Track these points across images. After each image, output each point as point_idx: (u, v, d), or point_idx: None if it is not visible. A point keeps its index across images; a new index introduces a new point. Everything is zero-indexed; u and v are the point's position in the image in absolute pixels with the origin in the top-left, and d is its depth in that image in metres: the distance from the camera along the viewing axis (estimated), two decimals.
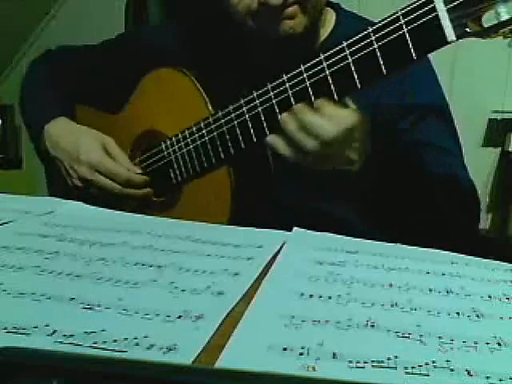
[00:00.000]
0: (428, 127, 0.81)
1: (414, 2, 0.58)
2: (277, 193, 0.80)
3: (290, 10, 0.73)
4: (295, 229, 0.57)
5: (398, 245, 0.56)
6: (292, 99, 0.68)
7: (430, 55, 0.83)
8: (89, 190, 0.85)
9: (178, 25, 0.94)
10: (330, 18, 0.86)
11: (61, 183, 0.89)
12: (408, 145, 0.79)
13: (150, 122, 0.86)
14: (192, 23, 0.92)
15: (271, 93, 0.69)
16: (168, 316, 0.35)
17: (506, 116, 2.10)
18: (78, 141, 0.85)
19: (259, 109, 0.70)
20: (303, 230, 0.57)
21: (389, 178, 0.72)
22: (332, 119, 0.65)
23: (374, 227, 0.80)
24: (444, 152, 0.81)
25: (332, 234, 0.57)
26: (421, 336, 0.33)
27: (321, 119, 0.65)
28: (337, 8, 0.87)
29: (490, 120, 2.14)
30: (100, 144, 0.85)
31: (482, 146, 2.18)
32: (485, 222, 2.20)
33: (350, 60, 0.63)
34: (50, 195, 0.98)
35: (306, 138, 0.66)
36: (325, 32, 0.84)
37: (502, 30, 0.55)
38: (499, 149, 2.16)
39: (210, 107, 0.77)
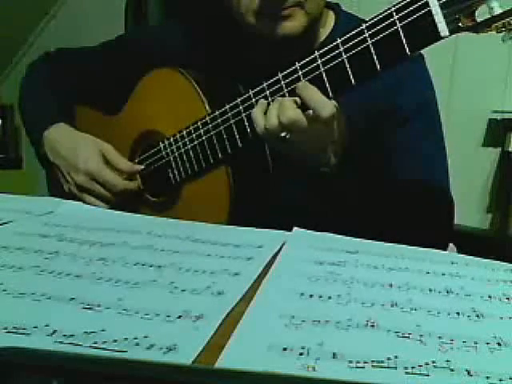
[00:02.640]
0: (411, 130, 0.81)
1: None
2: (277, 193, 0.80)
3: (290, 11, 0.73)
4: (295, 229, 0.57)
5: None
6: (287, 96, 0.68)
7: (429, 56, 0.83)
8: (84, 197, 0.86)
9: (178, 25, 0.94)
10: (330, 20, 0.86)
11: (61, 186, 0.89)
12: (388, 148, 0.80)
13: (149, 123, 0.86)
14: (192, 23, 0.92)
15: (267, 91, 0.69)
16: (168, 316, 0.35)
17: (506, 116, 2.10)
18: (77, 149, 0.85)
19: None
20: (303, 230, 0.57)
21: (363, 179, 0.72)
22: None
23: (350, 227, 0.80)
24: (423, 159, 0.81)
25: (332, 234, 0.57)
26: (421, 336, 0.33)
27: (292, 101, 0.66)
28: (337, 9, 0.87)
29: (490, 120, 2.14)
30: (98, 152, 0.84)
31: (482, 146, 2.17)
32: (485, 221, 2.20)
33: (344, 57, 0.63)
34: (50, 195, 0.98)
35: (274, 111, 0.66)
36: (324, 33, 0.84)
37: (495, 25, 0.55)
38: (499, 149, 2.15)
39: (208, 107, 0.77)
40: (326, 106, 0.64)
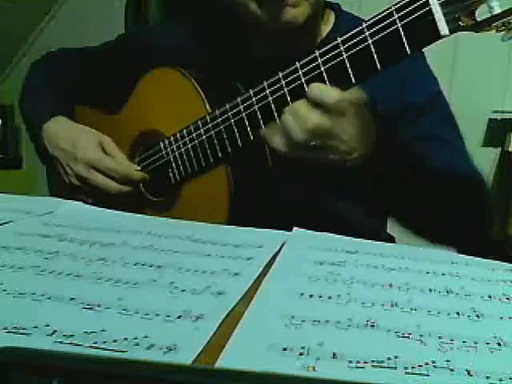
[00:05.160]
0: (427, 123, 0.81)
1: None
2: (277, 193, 0.80)
3: (295, 0, 0.73)
4: (295, 229, 0.57)
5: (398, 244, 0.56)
6: (288, 96, 0.68)
7: (429, 55, 0.83)
8: (84, 189, 0.85)
9: (178, 25, 0.94)
10: (330, 19, 0.86)
11: (61, 183, 0.89)
12: (407, 141, 0.79)
13: (149, 122, 0.86)
14: (192, 23, 0.93)
15: (267, 90, 0.69)
16: (168, 316, 0.35)
17: (506, 116, 2.10)
18: (76, 139, 0.85)
19: (255, 107, 0.71)
20: (303, 230, 0.57)
21: (390, 173, 0.71)
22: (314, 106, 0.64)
23: (380, 224, 0.79)
24: (445, 144, 0.80)
25: (332, 234, 0.57)
26: (421, 336, 0.33)
27: (306, 105, 0.64)
28: (336, 9, 0.87)
29: (490, 120, 2.14)
30: (97, 142, 0.85)
31: (482, 146, 2.17)
32: None
33: (344, 56, 0.63)
34: (50, 195, 0.98)
35: (294, 125, 0.64)
36: (325, 32, 0.84)
37: (494, 24, 0.55)
38: (499, 149, 2.15)
39: (208, 106, 0.77)
40: (328, 93, 0.63)
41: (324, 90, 0.64)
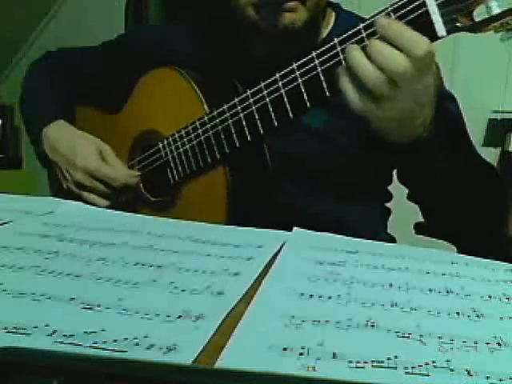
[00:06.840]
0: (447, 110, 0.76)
1: None
2: (276, 193, 0.80)
3: (292, 4, 0.73)
4: (295, 229, 0.57)
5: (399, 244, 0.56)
6: (285, 97, 0.68)
7: None
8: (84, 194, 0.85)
9: (178, 25, 0.94)
10: (330, 19, 0.86)
11: (61, 184, 0.89)
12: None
13: (149, 122, 0.86)
14: (192, 23, 0.93)
15: (264, 91, 0.69)
16: (168, 316, 0.35)
17: (506, 116, 2.09)
18: (75, 146, 0.85)
19: (253, 107, 0.71)
20: (303, 230, 0.57)
21: (454, 145, 0.69)
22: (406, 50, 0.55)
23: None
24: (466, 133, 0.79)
25: (332, 234, 0.57)
26: (421, 336, 0.33)
27: (391, 48, 0.56)
28: (337, 8, 0.87)
29: (489, 120, 2.14)
30: (96, 150, 0.84)
31: (482, 146, 2.17)
32: None
33: (341, 57, 0.63)
34: (52, 195, 0.98)
35: (374, 70, 0.56)
36: (324, 32, 0.84)
37: (493, 24, 0.55)
38: (499, 149, 2.15)
39: (206, 107, 0.77)
40: (419, 42, 0.56)
41: (413, 40, 0.56)
